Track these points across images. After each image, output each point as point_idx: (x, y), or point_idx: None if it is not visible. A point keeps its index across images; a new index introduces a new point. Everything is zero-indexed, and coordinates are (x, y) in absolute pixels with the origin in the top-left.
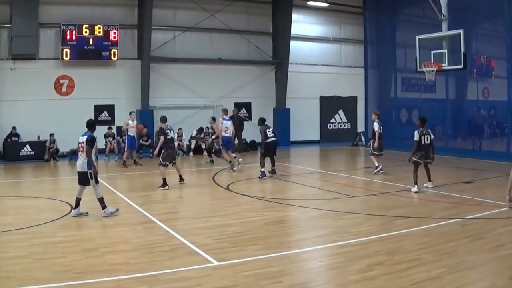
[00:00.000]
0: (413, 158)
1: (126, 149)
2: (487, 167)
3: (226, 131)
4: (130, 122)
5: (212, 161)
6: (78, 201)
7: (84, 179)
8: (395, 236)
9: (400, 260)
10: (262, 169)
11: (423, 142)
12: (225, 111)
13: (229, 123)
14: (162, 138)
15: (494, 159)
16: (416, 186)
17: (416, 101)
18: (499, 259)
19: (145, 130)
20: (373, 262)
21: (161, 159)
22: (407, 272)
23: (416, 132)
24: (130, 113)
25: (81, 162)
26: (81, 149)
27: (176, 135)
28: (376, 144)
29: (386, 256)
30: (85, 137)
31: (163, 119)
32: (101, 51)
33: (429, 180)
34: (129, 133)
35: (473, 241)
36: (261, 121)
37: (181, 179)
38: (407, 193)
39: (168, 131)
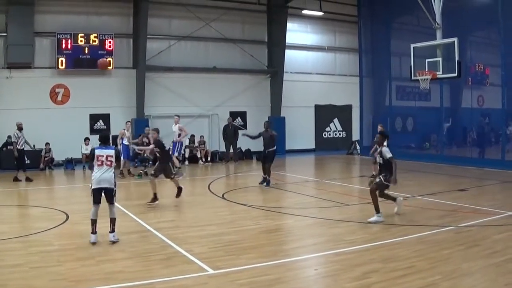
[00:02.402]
0: (384, 182)
1: (122, 158)
2: (482, 174)
3: None
4: (125, 131)
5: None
6: (96, 223)
7: (110, 196)
8: (390, 244)
9: (395, 267)
10: (269, 178)
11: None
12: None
13: None
14: (156, 149)
15: (489, 166)
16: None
17: (411, 110)
18: (494, 266)
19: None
20: (368, 270)
21: (154, 171)
22: (402, 279)
23: (387, 149)
24: (126, 123)
25: (109, 177)
26: (108, 163)
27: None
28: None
29: (381, 263)
30: (113, 151)
31: (158, 131)
32: (97, 60)
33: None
34: (123, 142)
35: (468, 249)
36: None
37: (179, 192)
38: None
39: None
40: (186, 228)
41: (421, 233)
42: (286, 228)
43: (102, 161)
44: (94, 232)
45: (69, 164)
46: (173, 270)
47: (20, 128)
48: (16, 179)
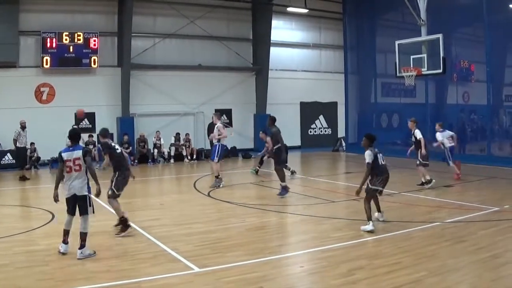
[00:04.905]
0: (371, 186)
1: None
2: (468, 170)
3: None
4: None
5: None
6: (68, 233)
7: (83, 205)
8: (376, 240)
9: (381, 264)
10: (284, 183)
11: (380, 163)
12: (217, 114)
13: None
14: (107, 155)
15: (475, 162)
16: (371, 222)
17: (396, 106)
18: (480, 261)
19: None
20: (354, 267)
21: (114, 188)
22: (388, 276)
23: (368, 152)
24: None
25: (79, 184)
26: (77, 168)
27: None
28: (424, 152)
29: (367, 260)
30: (79, 152)
31: (103, 133)
32: (81, 58)
33: (380, 210)
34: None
35: (454, 244)
36: (273, 120)
37: (121, 223)
38: (388, 198)
39: (117, 147)
40: (172, 227)
41: (407, 230)
42: (272, 226)
43: (70, 167)
44: (65, 242)
45: (55, 163)
46: (159, 268)
47: (23, 127)
48: (24, 178)
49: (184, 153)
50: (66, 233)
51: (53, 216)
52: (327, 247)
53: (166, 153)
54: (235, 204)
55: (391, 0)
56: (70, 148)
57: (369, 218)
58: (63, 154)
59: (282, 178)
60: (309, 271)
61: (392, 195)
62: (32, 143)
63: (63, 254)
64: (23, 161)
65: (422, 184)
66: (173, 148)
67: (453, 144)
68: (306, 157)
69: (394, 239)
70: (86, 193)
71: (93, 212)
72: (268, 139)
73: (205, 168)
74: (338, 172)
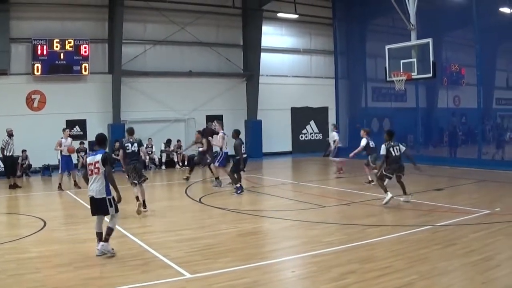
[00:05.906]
0: (384, 173)
1: (60, 171)
2: (458, 173)
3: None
4: (63, 140)
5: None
6: (100, 235)
7: (102, 206)
8: (367, 244)
9: (372, 268)
10: (238, 184)
11: (393, 155)
12: (221, 123)
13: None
14: (121, 152)
15: (466, 166)
16: (388, 193)
17: (387, 110)
18: (470, 264)
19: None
20: (345, 271)
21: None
22: (379, 279)
23: (383, 146)
24: (63, 130)
25: (97, 187)
26: (96, 171)
27: (136, 147)
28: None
29: (358, 264)
30: (99, 156)
31: (130, 131)
32: (72, 65)
33: (405, 193)
34: (63, 153)
35: (445, 248)
36: (237, 133)
37: (144, 205)
38: (379, 202)
39: (129, 144)
40: (163, 233)
41: (398, 233)
42: (263, 231)
43: (91, 170)
44: (101, 241)
45: (46, 170)
46: (150, 275)
47: (10, 135)
48: (15, 186)
49: (175, 160)
50: (97, 235)
51: (45, 223)
52: (318, 252)
53: (157, 159)
54: (226, 210)
55: (381, 5)
56: (94, 153)
57: (385, 191)
58: (87, 159)
59: (234, 181)
60: (301, 276)
61: (383, 199)
62: (23, 151)
63: (98, 256)
64: (11, 169)
65: (369, 182)
66: (164, 155)
67: (340, 144)
68: (297, 162)
69: (385, 243)
70: (105, 196)
71: (116, 211)
72: (204, 141)
73: (196, 174)
74: (329, 177)
